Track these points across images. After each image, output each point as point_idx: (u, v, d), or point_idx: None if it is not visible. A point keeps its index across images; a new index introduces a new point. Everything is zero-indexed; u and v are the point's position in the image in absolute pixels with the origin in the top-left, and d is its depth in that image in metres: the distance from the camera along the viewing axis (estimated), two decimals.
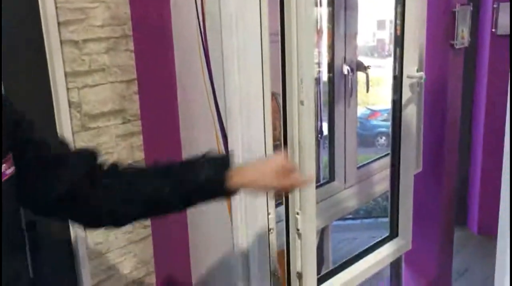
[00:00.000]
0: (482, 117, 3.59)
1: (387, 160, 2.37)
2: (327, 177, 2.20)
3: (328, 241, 2.06)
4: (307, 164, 1.40)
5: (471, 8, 2.55)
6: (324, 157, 2.31)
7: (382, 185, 2.31)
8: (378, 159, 2.41)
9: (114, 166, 0.99)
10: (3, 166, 0.79)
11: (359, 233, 4.26)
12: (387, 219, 4.44)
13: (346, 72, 1.99)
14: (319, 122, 2.15)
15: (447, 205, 2.87)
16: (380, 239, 2.10)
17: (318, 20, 2.13)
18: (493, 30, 3.28)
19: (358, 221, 4.61)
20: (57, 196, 0.92)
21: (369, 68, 2.03)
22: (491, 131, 3.57)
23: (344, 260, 1.92)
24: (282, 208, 1.50)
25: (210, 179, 0.96)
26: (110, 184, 0.96)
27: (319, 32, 2.13)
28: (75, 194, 0.92)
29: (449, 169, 2.81)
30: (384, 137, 8.33)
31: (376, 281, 3.33)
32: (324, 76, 2.22)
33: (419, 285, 2.90)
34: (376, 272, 3.38)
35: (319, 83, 2.22)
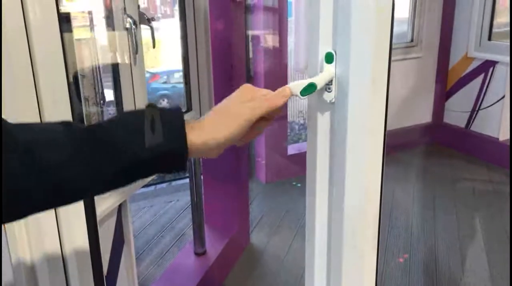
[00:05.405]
0: (262, 75, 3.75)
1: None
2: None
3: (128, 218, 1.83)
4: None
5: None
6: None
7: None
8: None
9: None
10: None
11: (155, 199, 4.18)
12: (180, 182, 4.43)
13: (128, 26, 1.73)
14: (98, 88, 1.84)
15: (240, 161, 2.93)
16: None
17: None
18: None
19: (152, 188, 4.50)
20: None
21: (153, 20, 1.79)
22: (269, 86, 3.74)
23: None
24: None
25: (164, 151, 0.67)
26: None
27: None
28: None
29: None
30: (166, 100, 8.25)
31: (179, 247, 3.25)
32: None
33: (222, 241, 2.92)
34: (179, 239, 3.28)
35: None
